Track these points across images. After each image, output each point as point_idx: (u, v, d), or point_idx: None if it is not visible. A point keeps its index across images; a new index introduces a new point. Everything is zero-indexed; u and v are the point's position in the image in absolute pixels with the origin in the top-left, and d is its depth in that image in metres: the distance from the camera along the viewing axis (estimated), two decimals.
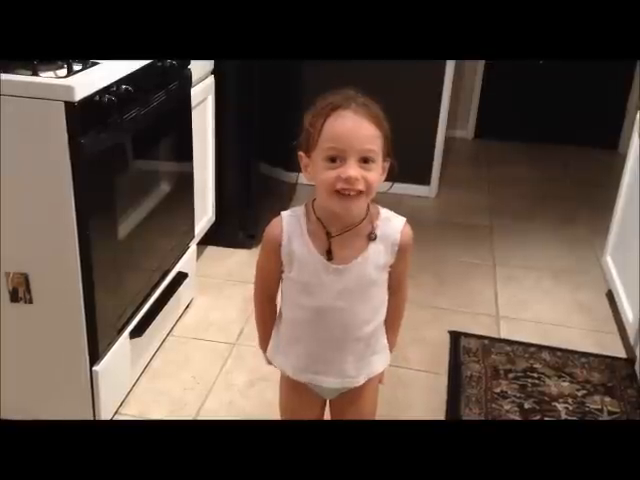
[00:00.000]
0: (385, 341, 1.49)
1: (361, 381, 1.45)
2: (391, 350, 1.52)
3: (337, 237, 1.33)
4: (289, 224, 1.36)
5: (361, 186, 1.25)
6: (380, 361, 1.48)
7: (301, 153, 1.32)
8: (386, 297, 1.44)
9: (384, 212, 1.38)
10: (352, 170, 1.23)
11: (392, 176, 1.34)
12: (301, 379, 1.45)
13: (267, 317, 1.50)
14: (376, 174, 1.27)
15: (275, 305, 1.49)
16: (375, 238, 1.34)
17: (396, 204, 3.79)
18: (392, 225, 1.36)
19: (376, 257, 1.35)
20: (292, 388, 1.49)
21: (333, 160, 1.25)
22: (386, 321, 1.47)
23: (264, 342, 1.53)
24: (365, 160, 1.25)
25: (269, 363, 1.53)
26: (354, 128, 1.24)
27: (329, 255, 1.33)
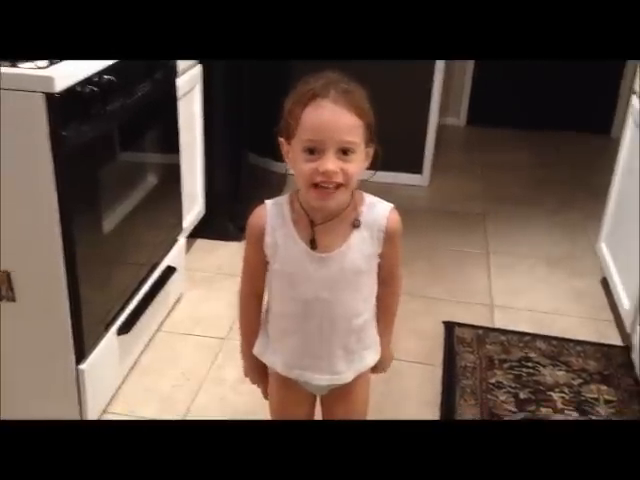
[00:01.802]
0: (376, 334, 1.45)
1: (350, 377, 1.41)
2: (386, 349, 1.48)
3: (321, 225, 1.29)
4: (273, 213, 1.32)
5: (339, 179, 1.21)
6: (370, 355, 1.43)
7: (282, 139, 1.28)
8: (376, 288, 1.39)
9: (369, 198, 1.33)
10: (330, 163, 1.19)
11: (377, 162, 1.29)
12: (290, 375, 1.42)
13: (252, 316, 1.45)
14: (356, 165, 1.23)
15: (261, 305, 1.45)
16: (359, 225, 1.30)
17: (388, 193, 3.74)
18: (377, 211, 1.32)
19: (361, 245, 1.31)
20: (281, 384, 1.45)
21: (311, 152, 1.21)
22: (378, 317, 1.43)
23: (247, 346, 1.47)
24: (344, 151, 1.21)
25: (246, 375, 1.51)
26: (333, 119, 1.19)
27: (313, 244, 1.29)
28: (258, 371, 1.49)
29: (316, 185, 1.21)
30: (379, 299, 1.42)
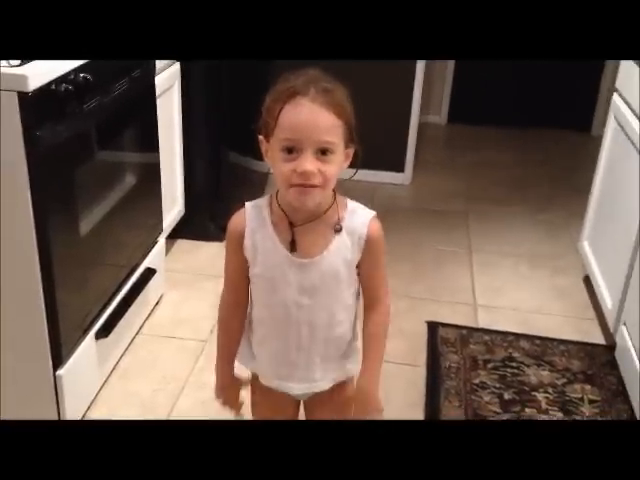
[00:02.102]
0: (356, 346, 1.40)
1: (326, 385, 1.38)
2: (370, 384, 1.35)
3: (301, 227, 1.26)
4: (252, 216, 1.29)
5: (317, 180, 1.17)
6: (350, 365, 1.39)
7: (261, 137, 1.25)
8: (357, 299, 1.36)
9: (351, 204, 1.30)
10: (308, 164, 1.16)
11: (357, 162, 1.26)
12: (269, 385, 1.39)
13: (233, 329, 1.39)
14: (334, 166, 1.20)
15: (244, 317, 1.39)
16: (340, 230, 1.27)
17: (371, 192, 3.74)
18: (358, 218, 1.28)
19: (343, 251, 1.27)
20: (264, 391, 1.42)
21: (289, 151, 1.17)
22: (364, 346, 1.36)
23: (223, 360, 1.41)
24: (323, 152, 1.17)
25: (217, 396, 1.45)
26: (311, 118, 1.16)
27: (293, 246, 1.26)
28: (231, 390, 1.44)
29: (294, 185, 1.18)
30: (365, 326, 1.36)
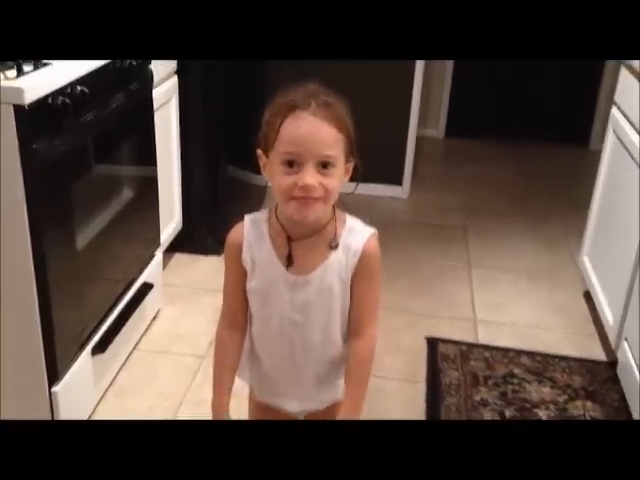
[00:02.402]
0: None
1: (321, 404, 1.36)
2: (355, 410, 1.29)
3: (298, 242, 1.24)
4: (250, 229, 1.28)
5: (319, 193, 1.16)
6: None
7: (259, 151, 1.23)
8: None
9: (350, 221, 1.28)
10: (309, 177, 1.14)
11: (356, 177, 1.25)
12: (266, 401, 1.38)
13: (229, 354, 1.33)
14: (336, 180, 1.18)
15: (241, 342, 1.35)
16: (336, 247, 1.25)
17: (369, 205, 3.72)
18: (356, 236, 1.26)
19: (338, 268, 1.25)
20: (259, 406, 1.41)
21: (290, 165, 1.16)
22: (346, 375, 1.31)
23: (218, 382, 1.35)
24: (324, 165, 1.16)
25: (213, 411, 1.37)
26: (312, 132, 1.15)
27: (289, 260, 1.25)
28: (224, 410, 1.36)
29: (294, 198, 1.17)
30: (348, 359, 1.31)
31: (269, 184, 1.24)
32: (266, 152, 1.21)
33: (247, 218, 1.30)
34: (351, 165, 1.24)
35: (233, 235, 1.29)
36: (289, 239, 1.25)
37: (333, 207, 1.26)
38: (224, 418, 1.34)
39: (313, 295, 1.26)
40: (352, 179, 1.26)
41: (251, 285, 1.29)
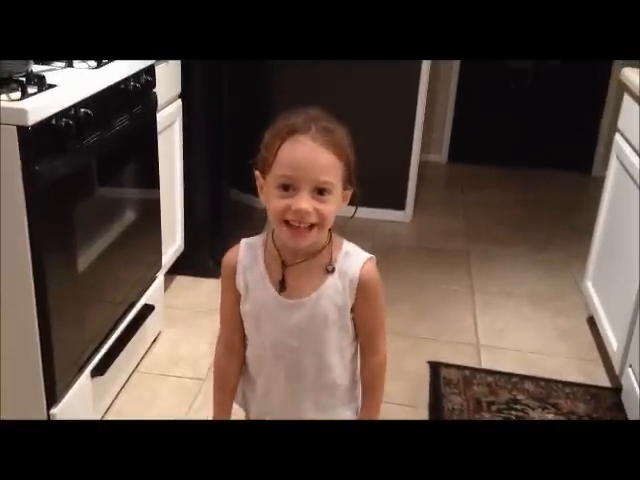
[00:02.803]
0: (357, 394, 1.37)
1: None
2: (373, 417, 1.35)
3: (293, 267, 1.24)
4: (246, 252, 1.28)
5: (313, 219, 1.15)
6: (348, 412, 1.36)
7: (257, 173, 1.23)
8: (353, 345, 1.32)
9: (346, 246, 1.27)
10: (304, 203, 1.14)
11: (356, 202, 1.25)
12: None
13: (228, 379, 1.36)
14: (331, 206, 1.17)
15: (239, 366, 1.36)
16: (332, 271, 1.23)
17: (371, 229, 3.71)
18: (352, 261, 1.25)
19: (333, 294, 1.24)
20: None
21: (286, 188, 1.15)
22: (362, 391, 1.35)
23: (217, 396, 1.38)
24: (320, 191, 1.15)
25: None
26: (310, 157, 1.14)
27: (282, 285, 1.24)
28: None
29: (288, 222, 1.16)
30: (362, 371, 1.34)
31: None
32: (263, 174, 1.21)
33: (243, 241, 1.31)
34: (349, 192, 1.23)
35: (228, 258, 1.30)
36: (284, 264, 1.24)
37: (330, 231, 1.25)
38: None
39: (307, 320, 1.25)
40: (351, 203, 1.25)
41: (245, 308, 1.29)
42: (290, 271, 1.24)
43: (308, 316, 1.24)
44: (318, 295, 1.24)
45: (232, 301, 1.30)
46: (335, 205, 1.19)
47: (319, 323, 1.25)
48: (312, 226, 1.16)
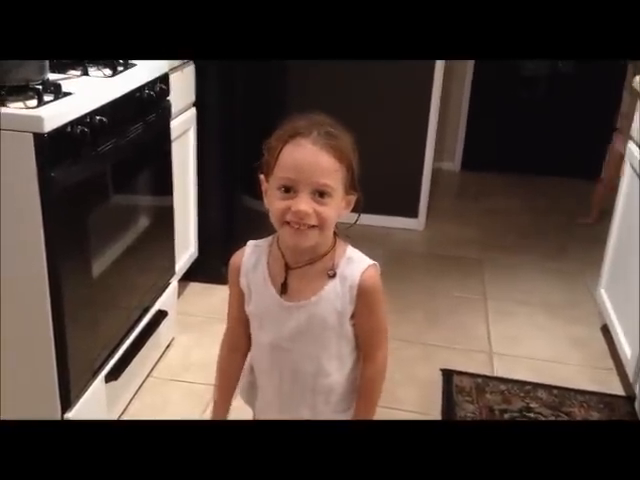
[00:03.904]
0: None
1: None
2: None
3: (296, 270, 1.25)
4: (251, 254, 1.31)
5: (313, 221, 1.17)
6: (347, 418, 1.35)
7: (261, 177, 1.25)
8: (353, 352, 1.32)
9: (350, 251, 1.28)
10: (303, 204, 1.15)
11: (359, 208, 1.25)
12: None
13: (229, 374, 1.39)
14: (331, 209, 1.18)
15: (242, 361, 1.39)
16: (334, 276, 1.24)
17: (384, 237, 3.70)
18: (354, 266, 1.25)
19: (334, 299, 1.25)
20: None
21: (286, 190, 1.17)
22: (359, 390, 1.34)
23: (219, 408, 1.41)
24: (320, 194, 1.17)
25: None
26: (310, 159, 1.16)
27: (284, 288, 1.26)
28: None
29: (288, 223, 1.18)
30: (360, 376, 1.34)
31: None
32: (267, 177, 1.23)
33: (250, 243, 1.33)
34: (353, 198, 1.24)
35: (234, 259, 1.33)
36: (287, 266, 1.26)
37: (335, 236, 1.26)
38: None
39: (304, 323, 1.26)
40: (356, 210, 1.26)
41: (249, 309, 1.32)
42: (292, 274, 1.26)
43: (307, 319, 1.25)
44: (318, 299, 1.25)
45: (239, 301, 1.33)
46: (336, 209, 1.20)
47: (317, 327, 1.26)
48: (313, 227, 1.18)
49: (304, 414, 1.32)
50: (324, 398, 1.32)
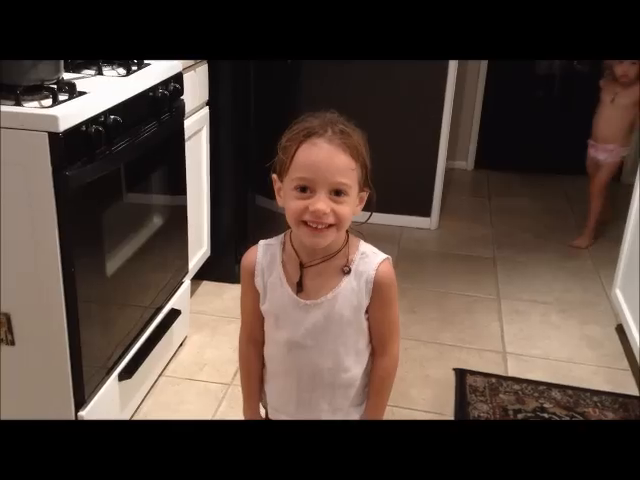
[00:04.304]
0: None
1: None
2: (379, 417, 1.37)
3: (311, 268, 1.26)
4: (264, 253, 1.30)
5: (330, 220, 1.17)
6: (356, 415, 1.36)
7: (274, 176, 1.25)
8: (370, 346, 1.33)
9: (363, 247, 1.28)
10: (321, 203, 1.16)
11: (371, 206, 1.26)
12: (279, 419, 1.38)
13: (250, 364, 1.39)
14: (348, 207, 1.19)
15: (261, 350, 1.39)
16: (349, 272, 1.25)
17: (397, 236, 3.70)
18: (368, 261, 1.26)
19: (350, 295, 1.25)
20: None
21: (303, 190, 1.18)
22: (371, 385, 1.35)
23: (246, 386, 1.42)
24: (337, 192, 1.17)
25: (245, 416, 1.45)
26: (326, 159, 1.16)
27: (300, 287, 1.26)
28: (254, 415, 1.44)
29: (305, 223, 1.18)
30: (372, 371, 1.34)
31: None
32: (281, 177, 1.23)
33: (262, 242, 1.33)
34: (366, 195, 1.25)
35: (247, 259, 1.32)
36: (301, 265, 1.26)
37: (347, 233, 1.27)
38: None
39: (322, 320, 1.26)
40: (367, 209, 1.26)
41: (264, 307, 1.32)
42: (307, 272, 1.26)
43: (324, 316, 1.26)
44: (334, 295, 1.25)
45: (253, 300, 1.33)
46: (351, 206, 1.20)
47: (335, 323, 1.26)
48: (330, 226, 1.18)
49: (323, 408, 1.32)
50: (343, 392, 1.32)
